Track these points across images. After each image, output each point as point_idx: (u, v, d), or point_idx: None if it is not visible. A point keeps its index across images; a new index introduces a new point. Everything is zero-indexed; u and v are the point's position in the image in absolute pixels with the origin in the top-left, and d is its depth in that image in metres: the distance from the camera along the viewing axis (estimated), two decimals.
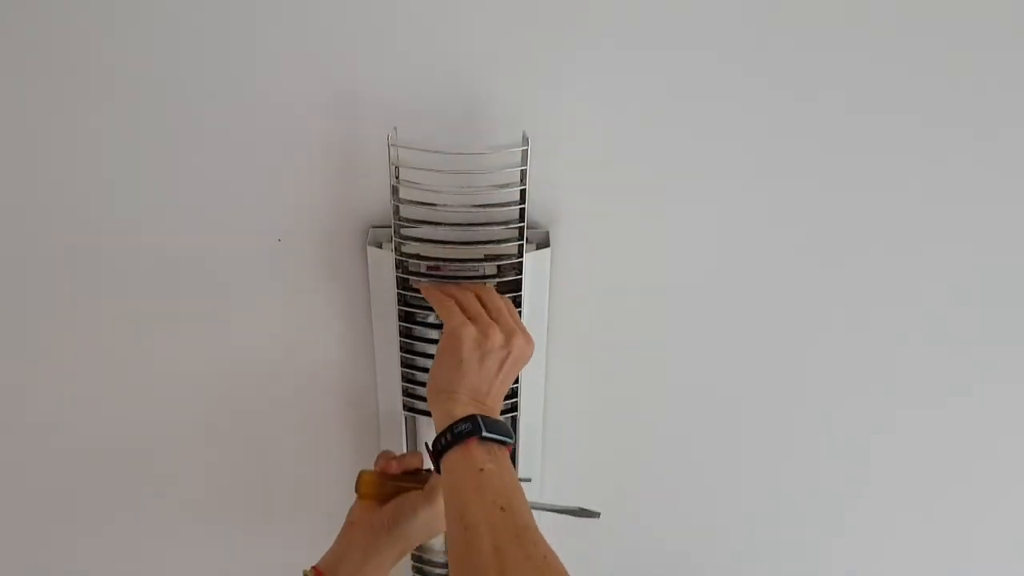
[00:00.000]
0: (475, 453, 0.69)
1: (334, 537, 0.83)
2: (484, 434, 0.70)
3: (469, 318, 0.75)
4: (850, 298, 0.89)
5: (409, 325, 0.85)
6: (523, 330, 0.77)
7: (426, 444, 0.76)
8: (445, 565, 1.07)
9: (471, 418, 0.70)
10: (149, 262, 0.86)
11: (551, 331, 0.91)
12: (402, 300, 0.82)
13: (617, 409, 1.01)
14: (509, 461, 0.72)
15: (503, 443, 0.71)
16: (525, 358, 0.77)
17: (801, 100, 0.76)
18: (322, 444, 1.01)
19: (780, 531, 1.11)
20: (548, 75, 0.74)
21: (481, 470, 0.68)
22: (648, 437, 1.03)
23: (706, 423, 1.01)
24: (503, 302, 0.78)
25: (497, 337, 0.74)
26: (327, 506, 1.03)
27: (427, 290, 0.79)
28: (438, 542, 1.07)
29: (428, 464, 0.87)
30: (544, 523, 0.67)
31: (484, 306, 0.77)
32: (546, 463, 1.03)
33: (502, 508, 0.65)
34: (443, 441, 0.71)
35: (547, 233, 0.85)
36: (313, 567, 0.80)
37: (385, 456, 0.86)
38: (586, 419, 1.01)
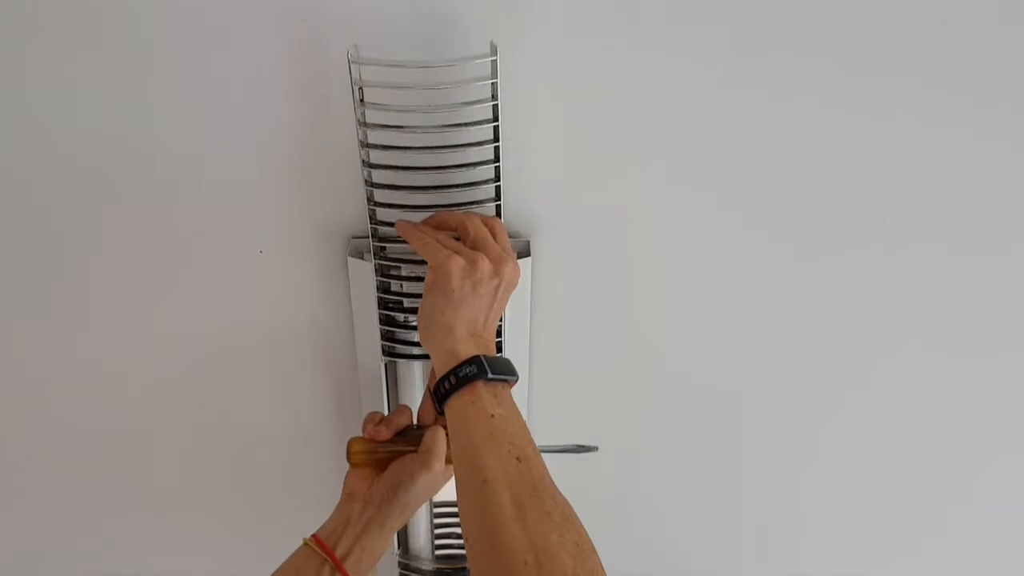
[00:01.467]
0: (483, 396, 0.66)
1: (316, 496, 0.76)
2: (490, 376, 0.66)
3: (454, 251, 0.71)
4: (836, 300, 0.87)
5: (387, 297, 0.81)
6: (511, 254, 0.73)
7: (428, 388, 0.73)
8: (433, 572, 1.00)
9: (475, 360, 0.67)
10: (128, 247, 0.82)
11: (533, 342, 0.88)
12: (381, 282, 0.80)
13: (605, 421, 0.97)
14: (514, 401, 0.68)
15: (507, 381, 0.68)
16: (515, 284, 0.73)
17: (794, 94, 0.75)
18: (302, 400, 0.95)
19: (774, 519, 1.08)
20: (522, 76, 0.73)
21: (492, 416, 0.65)
22: (634, 450, 1.00)
23: (694, 433, 0.98)
24: (488, 226, 0.73)
25: (486, 265, 0.70)
26: (311, 470, 0.99)
27: (404, 228, 0.74)
28: (425, 548, 0.99)
29: (416, 418, 0.82)
30: None
31: (467, 234, 0.73)
32: None
33: (518, 459, 0.62)
34: (447, 385, 0.67)
35: (528, 242, 0.82)
36: (313, 536, 0.74)
37: (372, 420, 0.79)
38: (572, 432, 0.95)
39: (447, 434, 0.73)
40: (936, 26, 0.71)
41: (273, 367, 0.91)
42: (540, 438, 0.95)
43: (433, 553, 1.00)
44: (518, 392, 0.71)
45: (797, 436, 0.99)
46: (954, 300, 0.88)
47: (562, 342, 0.90)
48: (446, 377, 0.67)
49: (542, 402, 0.94)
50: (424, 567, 1.00)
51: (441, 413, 0.69)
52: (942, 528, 1.08)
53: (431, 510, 0.98)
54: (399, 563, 1.00)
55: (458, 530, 0.98)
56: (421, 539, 0.99)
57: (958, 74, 0.74)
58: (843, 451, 1.00)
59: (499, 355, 0.70)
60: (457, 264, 0.69)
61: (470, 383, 0.66)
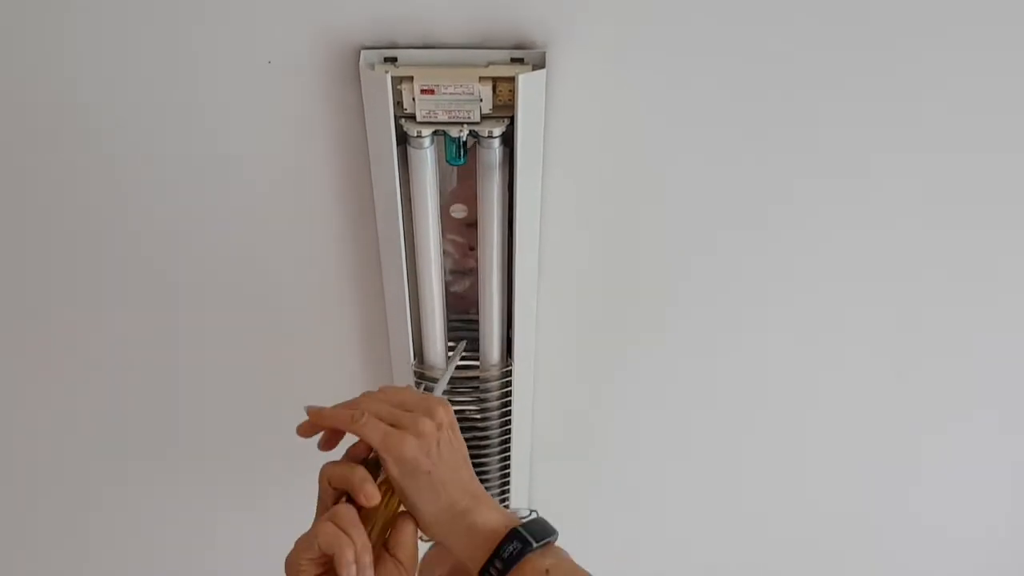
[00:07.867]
0: (535, 564, 0.62)
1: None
2: (536, 546, 0.63)
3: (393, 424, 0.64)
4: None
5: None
6: (424, 395, 0.69)
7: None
8: (447, 380, 1.02)
9: (514, 535, 0.63)
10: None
11: (546, 161, 0.84)
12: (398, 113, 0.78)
13: (619, 259, 0.95)
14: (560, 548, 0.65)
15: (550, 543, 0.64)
16: (454, 420, 0.68)
17: None
18: (314, 224, 0.94)
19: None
20: None
21: (547, 572, 0.62)
22: (648, 293, 0.98)
23: (712, 273, 0.96)
24: (379, 397, 0.68)
25: (428, 424, 0.65)
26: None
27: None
28: (440, 357, 1.01)
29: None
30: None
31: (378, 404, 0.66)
32: (539, 339, 1.00)
33: None
34: (493, 572, 0.63)
35: (543, 54, 0.75)
36: None
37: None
38: (581, 268, 0.96)
39: None
40: None
41: (282, 184, 0.91)
42: (552, 282, 0.96)
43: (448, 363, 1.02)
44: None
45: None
46: None
47: (576, 164, 0.87)
48: (489, 565, 0.63)
49: (553, 239, 0.93)
50: (439, 376, 1.01)
51: None
52: None
53: (447, 321, 1.00)
54: (414, 372, 1.02)
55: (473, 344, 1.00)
56: (437, 347, 1.01)
57: None
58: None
59: (526, 516, 0.65)
60: (408, 442, 0.63)
61: (517, 564, 0.62)
